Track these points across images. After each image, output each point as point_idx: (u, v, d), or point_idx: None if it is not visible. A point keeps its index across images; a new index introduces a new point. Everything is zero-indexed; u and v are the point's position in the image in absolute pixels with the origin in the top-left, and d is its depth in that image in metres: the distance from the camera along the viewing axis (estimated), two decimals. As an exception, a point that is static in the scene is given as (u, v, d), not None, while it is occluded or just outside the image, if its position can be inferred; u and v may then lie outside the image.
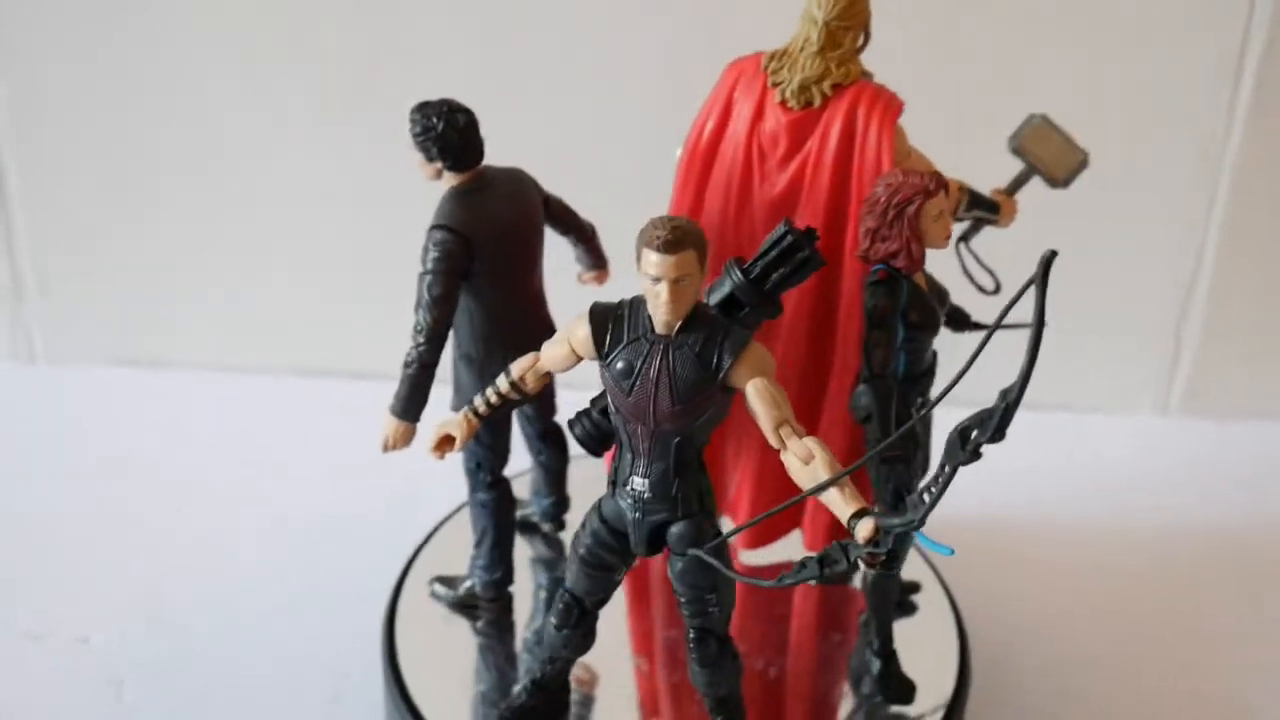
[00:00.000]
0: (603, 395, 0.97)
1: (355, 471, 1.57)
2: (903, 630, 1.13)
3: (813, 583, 0.92)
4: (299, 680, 1.24)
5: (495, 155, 1.09)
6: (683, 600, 0.94)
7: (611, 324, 0.89)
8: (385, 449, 1.05)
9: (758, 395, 0.86)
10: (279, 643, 1.29)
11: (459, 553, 1.20)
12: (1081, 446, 1.69)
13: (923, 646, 1.14)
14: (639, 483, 0.91)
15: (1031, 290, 0.66)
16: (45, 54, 1.65)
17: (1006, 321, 0.72)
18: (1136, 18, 1.56)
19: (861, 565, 0.81)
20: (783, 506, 0.83)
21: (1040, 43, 1.59)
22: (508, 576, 1.19)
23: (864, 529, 0.80)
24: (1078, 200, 1.67)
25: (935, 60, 1.59)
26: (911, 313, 1.01)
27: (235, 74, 1.66)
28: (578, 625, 0.98)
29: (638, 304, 0.89)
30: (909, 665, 1.11)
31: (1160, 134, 1.61)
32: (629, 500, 0.92)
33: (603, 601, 0.99)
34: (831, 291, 1.08)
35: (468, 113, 1.04)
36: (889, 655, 1.12)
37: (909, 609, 1.20)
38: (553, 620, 0.99)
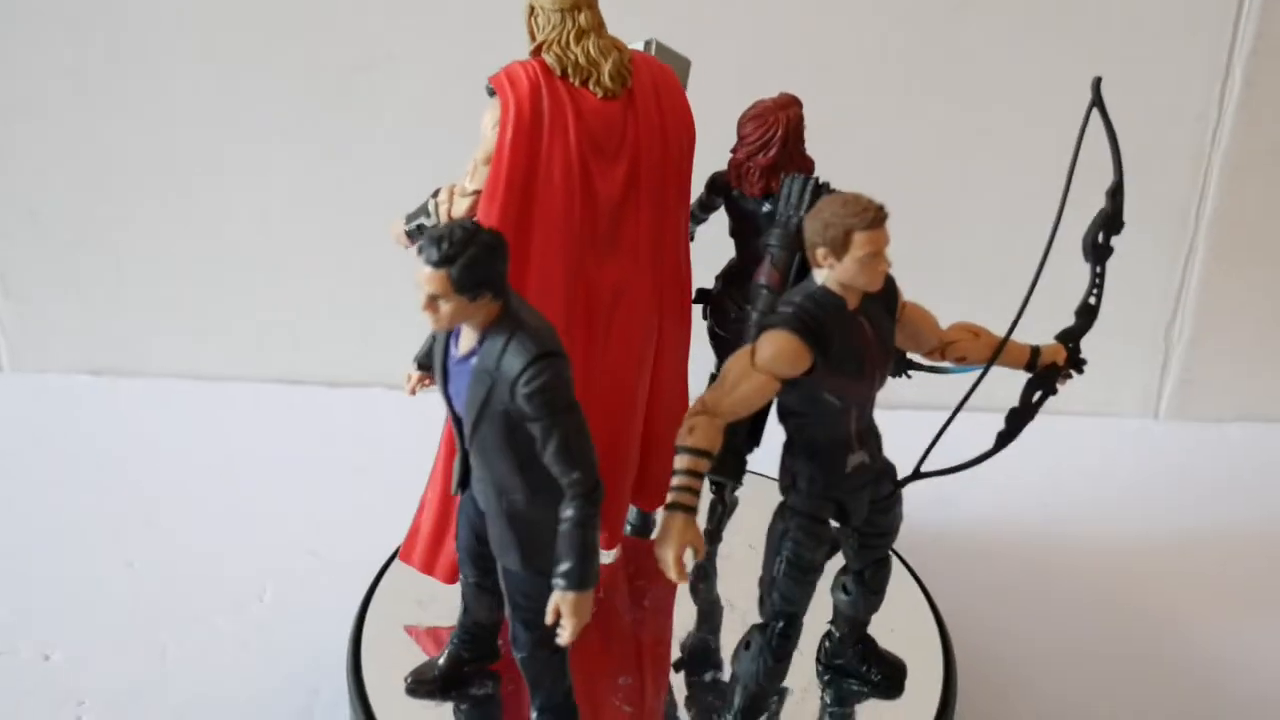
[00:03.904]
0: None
1: (332, 483, 1.55)
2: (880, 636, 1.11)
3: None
4: (268, 698, 1.21)
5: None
6: (881, 536, 1.00)
7: (817, 327, 0.87)
8: (571, 640, 0.86)
9: (919, 311, 0.94)
10: (250, 664, 1.25)
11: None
12: (1071, 451, 1.67)
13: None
14: (856, 459, 0.93)
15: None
16: (14, 61, 1.62)
17: None
18: (1125, 21, 1.55)
19: (1063, 385, 0.98)
20: (985, 370, 0.94)
21: (1030, 45, 1.57)
22: None
23: (1058, 354, 0.97)
24: (1066, 204, 1.65)
25: (932, 62, 1.59)
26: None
27: (210, 82, 1.63)
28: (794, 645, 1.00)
29: (820, 298, 0.88)
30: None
31: (1148, 138, 1.60)
32: (850, 481, 0.93)
33: None
34: (666, 241, 1.10)
35: None
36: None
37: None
38: (773, 654, 0.97)
